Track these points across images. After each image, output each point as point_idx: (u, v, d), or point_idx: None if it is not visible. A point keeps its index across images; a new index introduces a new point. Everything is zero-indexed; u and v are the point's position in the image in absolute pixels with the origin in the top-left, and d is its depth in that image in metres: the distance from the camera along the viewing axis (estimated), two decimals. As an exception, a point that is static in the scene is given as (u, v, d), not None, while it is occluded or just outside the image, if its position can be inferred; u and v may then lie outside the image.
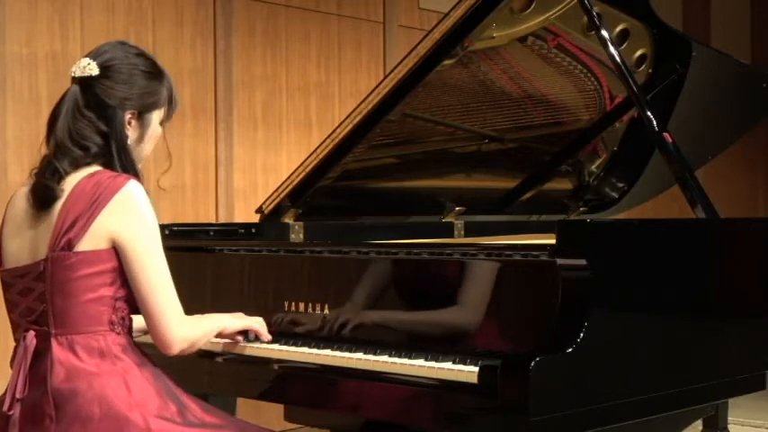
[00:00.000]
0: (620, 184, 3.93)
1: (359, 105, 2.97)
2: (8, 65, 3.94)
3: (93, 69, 2.19)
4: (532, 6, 3.03)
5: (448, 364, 2.25)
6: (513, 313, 2.32)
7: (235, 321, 2.53)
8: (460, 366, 2.22)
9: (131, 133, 2.24)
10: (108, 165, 2.18)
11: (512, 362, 2.08)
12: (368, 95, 2.96)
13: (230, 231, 3.23)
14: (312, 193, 3.14)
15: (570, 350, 2.11)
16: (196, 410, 2.20)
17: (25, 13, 4.00)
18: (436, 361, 2.29)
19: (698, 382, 2.50)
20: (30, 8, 4.01)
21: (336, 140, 3.02)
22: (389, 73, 2.96)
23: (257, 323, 2.56)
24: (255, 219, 3.25)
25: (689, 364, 2.47)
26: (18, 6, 3.98)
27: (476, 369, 2.17)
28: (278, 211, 3.18)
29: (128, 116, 2.22)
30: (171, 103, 2.31)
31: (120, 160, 2.19)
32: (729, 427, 3.07)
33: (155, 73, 2.27)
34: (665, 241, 2.49)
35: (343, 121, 3.01)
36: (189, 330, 2.22)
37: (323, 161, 3.06)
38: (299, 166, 3.11)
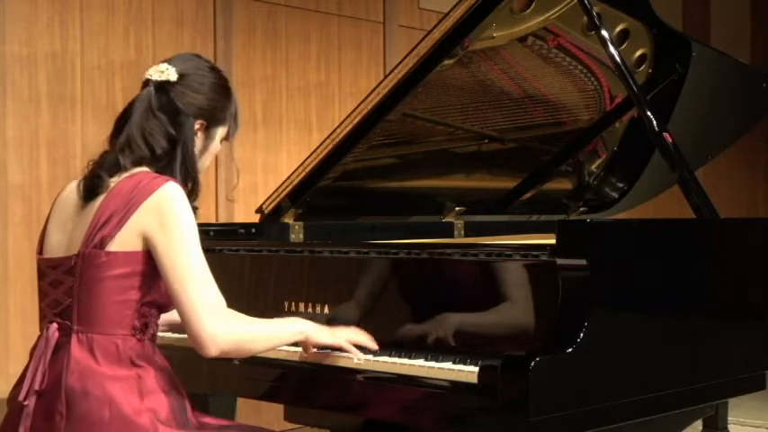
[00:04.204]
0: (620, 184, 3.93)
1: (359, 105, 2.97)
2: (8, 65, 3.94)
3: (171, 75, 2.22)
4: (532, 6, 3.03)
5: (448, 364, 2.25)
6: (513, 313, 2.32)
7: (323, 333, 2.34)
8: (460, 366, 2.22)
9: (197, 143, 2.26)
10: (167, 169, 2.19)
11: (512, 362, 2.08)
12: (368, 95, 2.96)
13: (230, 231, 3.23)
14: (312, 193, 3.14)
15: (570, 350, 2.11)
16: (198, 422, 2.21)
17: (25, 13, 3.99)
18: (436, 361, 2.29)
19: (698, 382, 2.50)
20: (30, 8, 4.01)
21: (336, 140, 3.02)
22: (389, 73, 2.96)
23: (346, 341, 2.36)
24: (255, 219, 3.25)
25: (689, 364, 2.47)
26: (18, 6, 3.98)
27: (476, 369, 2.17)
28: (278, 211, 3.18)
29: (197, 126, 2.25)
30: (235, 123, 2.34)
31: (185, 165, 2.21)
32: (729, 427, 3.07)
33: (226, 89, 2.31)
34: (666, 241, 2.49)
35: (343, 121, 3.01)
36: (230, 330, 2.12)
37: (323, 161, 3.06)
38: (299, 166, 3.11)
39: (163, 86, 2.23)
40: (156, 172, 2.18)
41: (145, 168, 2.18)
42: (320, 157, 3.06)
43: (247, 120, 4.70)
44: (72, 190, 2.24)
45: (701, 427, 3.05)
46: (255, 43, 4.76)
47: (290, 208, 3.17)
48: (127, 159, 2.17)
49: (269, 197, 3.19)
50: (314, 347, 2.41)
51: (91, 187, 2.18)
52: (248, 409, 3.64)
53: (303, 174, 3.09)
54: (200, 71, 2.27)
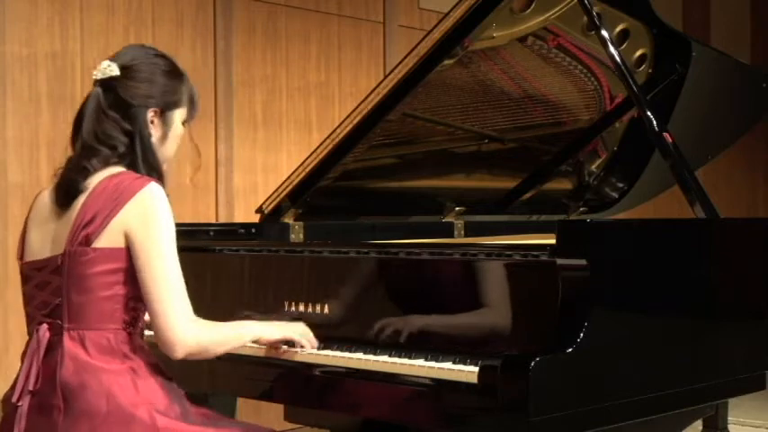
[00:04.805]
0: (620, 184, 3.93)
1: (359, 105, 2.97)
2: (8, 65, 3.94)
3: (113, 70, 2.22)
4: (532, 6, 3.03)
5: (448, 364, 2.25)
6: (513, 313, 2.32)
7: (272, 330, 2.46)
8: (460, 366, 2.22)
9: (154, 132, 2.26)
10: (133, 165, 2.20)
11: (512, 362, 2.08)
12: (368, 95, 2.96)
13: (230, 231, 3.23)
14: (312, 193, 3.14)
15: (570, 350, 2.11)
16: (197, 415, 2.21)
17: (25, 13, 3.99)
18: (436, 361, 2.29)
19: (698, 382, 2.50)
20: (30, 8, 4.01)
21: (336, 140, 3.02)
22: (389, 73, 2.96)
23: (297, 334, 2.49)
24: (255, 219, 3.25)
25: (689, 364, 2.47)
26: (18, 6, 3.98)
27: (476, 369, 2.17)
28: (278, 211, 3.18)
29: (150, 114, 2.25)
30: (192, 104, 2.34)
31: (146, 158, 2.21)
32: (729, 427, 3.07)
33: (175, 73, 2.30)
34: (666, 241, 2.48)
35: (343, 121, 3.01)
36: (197, 333, 2.15)
37: (323, 161, 3.07)
38: (299, 166, 3.12)
39: (108, 84, 2.23)
40: (127, 168, 2.19)
41: (120, 168, 2.19)
42: (320, 157, 3.06)
43: (247, 120, 4.71)
44: (47, 195, 2.25)
45: (701, 427, 3.05)
46: (255, 43, 4.76)
47: (290, 208, 3.17)
48: (92, 161, 2.18)
49: (269, 197, 3.20)
50: (267, 344, 2.50)
51: (68, 191, 2.18)
52: (248, 409, 3.64)
53: (303, 174, 3.10)
54: (145, 59, 2.27)
